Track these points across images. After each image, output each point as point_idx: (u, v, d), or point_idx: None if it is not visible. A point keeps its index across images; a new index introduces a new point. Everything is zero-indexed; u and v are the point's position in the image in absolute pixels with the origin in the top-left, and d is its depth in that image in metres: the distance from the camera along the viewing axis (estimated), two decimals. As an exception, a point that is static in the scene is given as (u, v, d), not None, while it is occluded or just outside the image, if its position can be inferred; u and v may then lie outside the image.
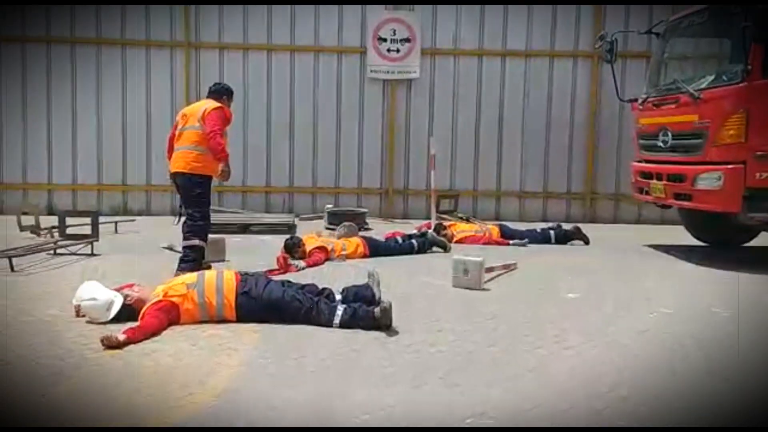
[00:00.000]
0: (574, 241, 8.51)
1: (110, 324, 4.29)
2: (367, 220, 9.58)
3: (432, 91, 10.84)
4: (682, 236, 8.69)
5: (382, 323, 4.24)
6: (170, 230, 8.20)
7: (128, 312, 4.36)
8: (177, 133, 6.06)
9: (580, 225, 9.45)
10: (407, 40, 10.48)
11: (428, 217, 9.31)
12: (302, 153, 10.83)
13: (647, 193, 7.96)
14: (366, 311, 4.31)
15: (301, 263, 6.37)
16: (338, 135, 10.85)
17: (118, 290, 4.52)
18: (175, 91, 10.65)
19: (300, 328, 4.30)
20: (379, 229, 9.28)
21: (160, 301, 4.28)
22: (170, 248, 7.25)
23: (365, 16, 10.59)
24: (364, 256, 7.02)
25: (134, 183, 10.71)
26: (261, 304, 4.37)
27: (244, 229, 8.78)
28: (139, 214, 10.56)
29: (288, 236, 6.94)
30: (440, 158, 9.58)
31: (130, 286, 4.60)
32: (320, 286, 4.78)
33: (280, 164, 10.80)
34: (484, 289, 5.59)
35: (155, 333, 4.09)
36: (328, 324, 4.31)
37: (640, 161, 8.21)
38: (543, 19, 10.75)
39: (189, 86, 10.59)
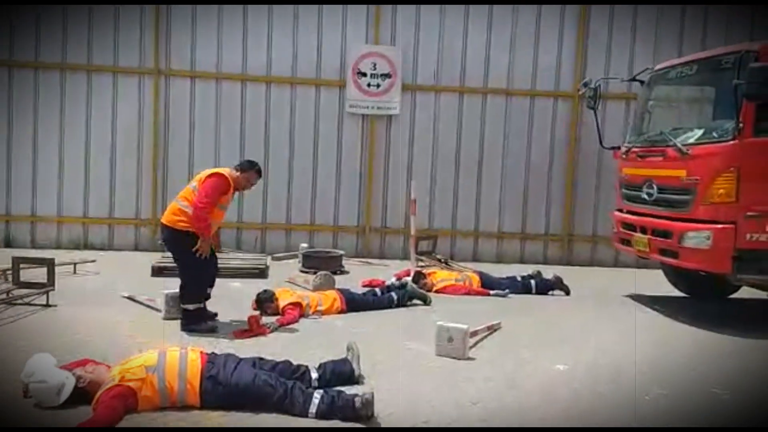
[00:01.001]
0: (554, 291, 8.25)
1: (60, 408, 3.88)
2: (343, 263, 9.20)
3: (412, 128, 10.54)
4: (661, 283, 8.50)
5: (363, 414, 3.87)
6: (132, 273, 7.73)
7: (81, 394, 3.94)
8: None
9: (558, 268, 9.28)
10: (388, 75, 10.18)
11: (406, 258, 9.01)
12: (276, 188, 10.40)
13: (629, 244, 7.76)
14: (345, 400, 3.93)
15: (274, 323, 5.95)
16: (315, 170, 10.46)
17: (70, 368, 4.08)
18: (142, 119, 10.16)
19: (272, 418, 3.90)
20: (356, 272, 8.94)
21: (116, 386, 3.84)
22: (131, 298, 6.78)
23: (345, 49, 10.26)
24: (341, 311, 6.64)
25: (96, 216, 10.16)
26: (228, 390, 3.95)
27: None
28: (101, 248, 10.02)
29: (261, 290, 6.54)
30: (419, 197, 9.25)
31: (84, 363, 4.16)
32: (295, 363, 4.43)
33: (252, 199, 10.32)
34: (469, 359, 5.27)
35: (111, 425, 3.66)
36: (303, 414, 3.91)
37: (622, 211, 8.02)
38: (524, 58, 10.58)
39: (158, 115, 10.12)
